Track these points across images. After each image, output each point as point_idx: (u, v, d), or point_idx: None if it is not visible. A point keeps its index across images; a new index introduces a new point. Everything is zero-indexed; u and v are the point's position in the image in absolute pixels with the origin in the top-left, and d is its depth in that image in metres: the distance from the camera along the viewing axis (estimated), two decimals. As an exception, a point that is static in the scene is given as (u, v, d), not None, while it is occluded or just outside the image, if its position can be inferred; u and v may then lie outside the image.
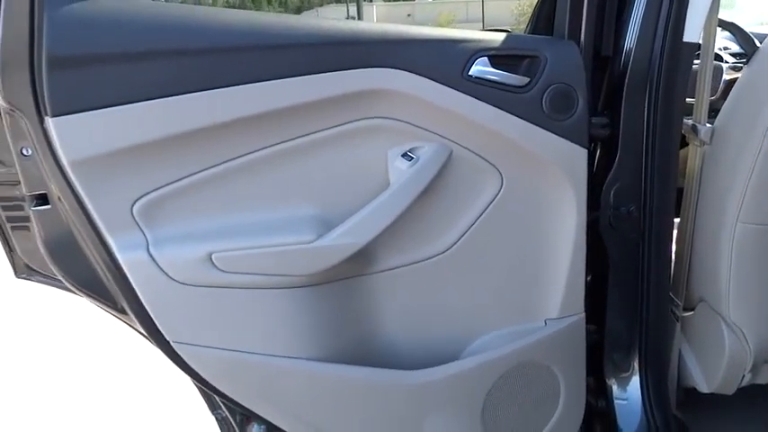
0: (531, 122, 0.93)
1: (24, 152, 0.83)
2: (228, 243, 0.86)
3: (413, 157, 0.92)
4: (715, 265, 1.13)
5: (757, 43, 1.92)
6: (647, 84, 1.03)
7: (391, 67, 0.88)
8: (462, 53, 0.91)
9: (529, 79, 0.93)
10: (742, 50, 1.98)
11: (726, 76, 1.83)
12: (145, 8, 0.83)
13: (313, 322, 0.93)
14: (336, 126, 0.90)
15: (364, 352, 0.98)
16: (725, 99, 1.83)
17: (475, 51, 0.91)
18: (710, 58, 1.12)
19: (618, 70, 1.06)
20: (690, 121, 1.16)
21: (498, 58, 0.93)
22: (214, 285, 0.87)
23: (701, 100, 1.14)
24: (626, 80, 1.04)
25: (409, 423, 0.99)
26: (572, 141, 0.95)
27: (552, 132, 0.94)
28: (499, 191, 0.97)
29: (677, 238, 1.24)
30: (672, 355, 1.26)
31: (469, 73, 0.91)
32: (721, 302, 1.13)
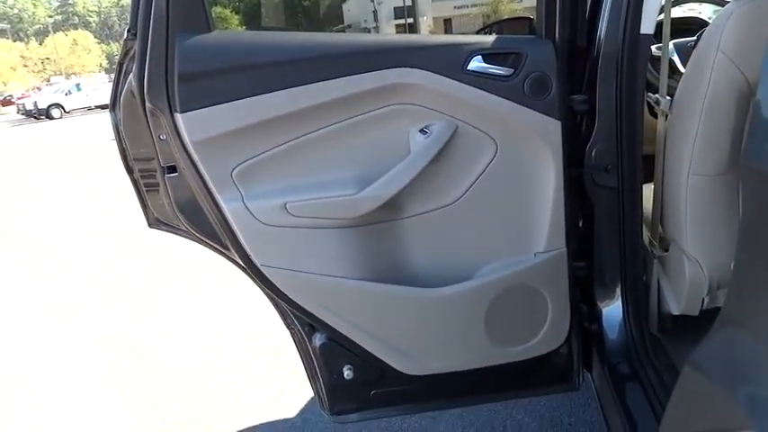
0: (516, 102, 1.25)
1: (161, 137, 1.23)
2: (297, 196, 1.24)
3: (427, 132, 1.26)
4: (677, 210, 1.42)
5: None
6: (615, 68, 1.32)
7: (410, 67, 1.23)
8: (462, 53, 1.24)
9: (513, 70, 1.25)
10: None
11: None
12: (238, 36, 1.21)
13: (358, 253, 1.30)
14: (371, 111, 1.25)
15: (396, 275, 1.34)
16: None
17: (472, 51, 1.24)
18: (667, 44, 1.40)
19: (592, 58, 1.36)
20: (654, 96, 1.44)
21: (490, 55, 1.25)
22: (288, 226, 1.25)
23: (663, 78, 1.42)
24: (599, 66, 1.34)
25: (429, 326, 1.36)
26: (549, 116, 1.27)
27: (533, 109, 1.26)
28: (495, 155, 1.30)
29: (653, 192, 1.52)
30: (651, 287, 1.56)
31: (468, 68, 1.24)
32: (683, 239, 1.42)
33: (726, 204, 1.36)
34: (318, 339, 1.42)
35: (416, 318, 1.36)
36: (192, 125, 1.18)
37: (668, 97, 1.41)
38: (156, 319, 3.26)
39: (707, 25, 2.49)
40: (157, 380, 2.60)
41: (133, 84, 1.21)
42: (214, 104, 1.18)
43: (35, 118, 25.95)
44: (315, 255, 1.29)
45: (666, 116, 1.43)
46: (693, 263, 1.42)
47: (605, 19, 1.33)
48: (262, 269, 1.28)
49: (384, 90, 1.23)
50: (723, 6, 2.07)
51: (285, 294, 1.31)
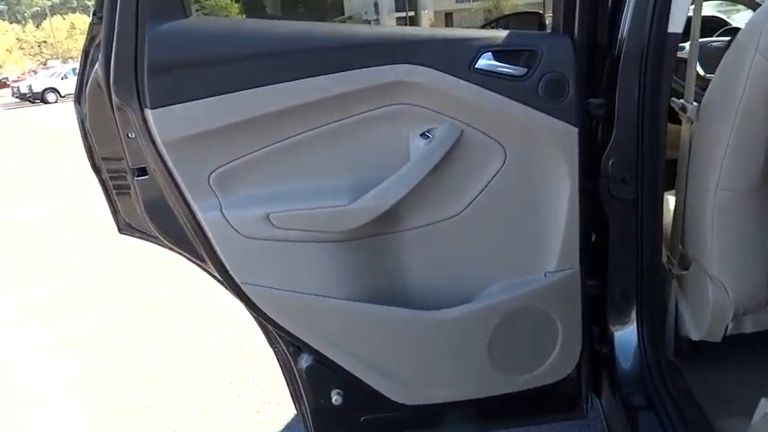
0: (530, 106, 1.12)
1: (129, 135, 1.09)
2: (282, 206, 1.10)
3: (429, 136, 1.13)
4: (701, 228, 1.29)
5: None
6: (638, 69, 1.19)
7: (411, 63, 1.09)
8: (470, 49, 1.10)
9: (527, 69, 1.12)
10: None
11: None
12: (219, 23, 1.07)
13: (349, 270, 1.17)
14: (367, 111, 1.12)
15: (393, 294, 1.21)
16: None
17: (481, 47, 1.10)
18: (696, 46, 1.27)
19: (613, 58, 1.22)
20: (680, 101, 1.31)
21: (501, 52, 1.12)
22: (271, 239, 1.11)
23: (689, 82, 1.29)
24: (620, 67, 1.20)
25: (426, 353, 1.23)
26: (565, 121, 1.13)
27: (548, 114, 1.13)
28: (503, 164, 1.17)
29: (674, 206, 1.39)
30: (669, 309, 1.43)
31: (476, 66, 1.10)
32: (707, 260, 1.29)
33: (756, 223, 1.23)
34: (305, 361, 1.29)
35: (413, 343, 1.22)
36: (165, 123, 1.04)
37: (695, 103, 1.28)
38: (137, 319, 3.12)
39: (726, 25, 2.37)
40: (137, 386, 2.47)
41: (99, 75, 1.07)
42: (189, 100, 1.04)
43: (30, 102, 25.65)
44: (301, 272, 1.16)
45: (692, 122, 1.30)
46: (718, 286, 1.29)
47: (629, 15, 1.19)
48: (242, 287, 1.15)
49: (382, 89, 1.10)
50: (754, 8, 1.93)
51: (268, 315, 1.18)
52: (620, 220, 1.29)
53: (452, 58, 1.10)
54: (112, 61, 1.02)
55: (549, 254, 1.23)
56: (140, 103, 1.04)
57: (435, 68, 1.09)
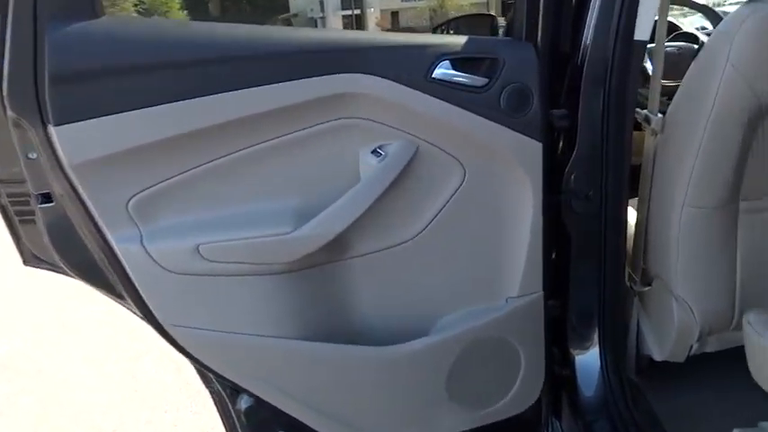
0: (490, 119, 1.02)
1: (30, 156, 0.93)
2: (214, 235, 0.96)
3: (381, 154, 1.01)
4: (666, 245, 1.23)
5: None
6: (602, 79, 1.11)
7: (361, 72, 0.97)
8: (426, 57, 0.99)
9: (488, 80, 1.02)
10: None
11: (699, 59, 1.89)
12: (135, 25, 0.92)
13: (292, 305, 1.04)
14: (312, 126, 0.99)
15: (340, 330, 1.09)
16: None
17: (438, 55, 1.00)
18: (661, 53, 1.20)
19: (576, 67, 1.14)
20: (644, 112, 1.24)
21: (460, 60, 1.01)
22: (201, 273, 0.97)
23: (653, 92, 1.23)
24: (583, 76, 1.12)
25: (381, 393, 1.11)
26: (528, 136, 1.04)
27: (509, 128, 1.03)
28: (462, 182, 1.07)
29: (635, 220, 1.33)
30: (630, 327, 1.37)
31: (433, 75, 0.99)
32: (671, 279, 1.23)
33: (724, 240, 1.18)
34: (244, 402, 1.15)
35: (365, 383, 1.10)
36: (72, 142, 0.89)
37: (660, 114, 1.22)
38: (63, 342, 2.87)
39: (677, 29, 2.36)
40: (63, 415, 2.25)
41: None
42: (102, 115, 0.88)
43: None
44: (237, 310, 1.02)
45: (656, 134, 1.24)
46: (683, 306, 1.23)
47: (593, 21, 1.11)
48: (168, 329, 1.00)
49: (328, 101, 0.97)
50: (708, 15, 1.90)
51: (200, 360, 1.03)
52: (583, 237, 1.21)
53: (407, 66, 0.99)
54: (5, 69, 0.86)
55: (511, 278, 1.14)
56: (42, 119, 0.87)
57: (388, 78, 0.98)
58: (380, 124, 1.01)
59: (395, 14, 39.51)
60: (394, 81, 0.98)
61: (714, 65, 1.05)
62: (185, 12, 31.74)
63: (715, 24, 1.92)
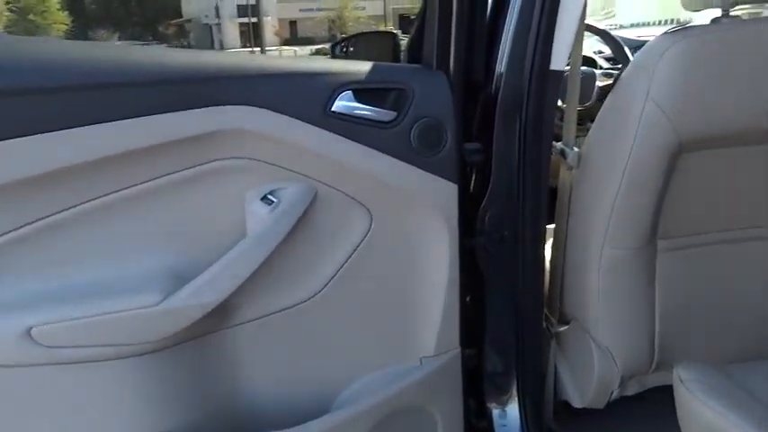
0: (400, 159, 0.89)
1: None
2: (53, 313, 0.75)
3: (273, 201, 0.85)
4: (584, 287, 1.15)
5: (626, 50, 1.98)
6: (517, 110, 1.02)
7: (246, 105, 0.80)
8: (324, 87, 0.84)
9: (396, 113, 0.89)
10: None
11: (599, 83, 1.88)
12: None
13: (163, 393, 0.84)
14: (184, 169, 0.81)
15: (228, 414, 0.90)
16: (600, 105, 1.88)
17: (338, 85, 0.85)
18: (577, 84, 1.13)
19: (490, 97, 1.04)
20: (559, 145, 1.16)
21: (363, 91, 0.87)
22: (36, 363, 0.75)
23: (569, 124, 1.15)
24: (497, 107, 1.02)
25: None
26: (442, 177, 0.92)
27: (421, 168, 0.91)
28: (369, 230, 0.93)
29: (551, 257, 1.25)
30: (548, 371, 1.29)
31: (332, 109, 0.85)
32: (590, 324, 1.16)
33: (644, 282, 1.12)
34: None
35: None
36: None
37: (576, 149, 1.14)
38: None
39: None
40: None
41: None
42: None
43: None
44: (92, 407, 0.80)
45: (572, 169, 1.16)
46: (604, 352, 1.16)
47: (507, 49, 1.01)
48: None
49: (206, 139, 0.80)
50: (607, 40, 1.88)
51: None
52: (498, 282, 1.12)
53: (302, 98, 0.83)
54: None
55: (426, 335, 1.01)
56: None
57: (280, 112, 0.82)
58: (271, 165, 0.85)
59: (293, 24, 39.11)
60: (288, 115, 0.82)
61: (633, 100, 0.98)
62: (65, 12, 29.54)
63: (613, 49, 1.92)
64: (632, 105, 0.98)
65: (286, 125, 0.82)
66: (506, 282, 1.12)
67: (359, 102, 0.86)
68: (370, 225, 0.92)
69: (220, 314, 0.86)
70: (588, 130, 1.22)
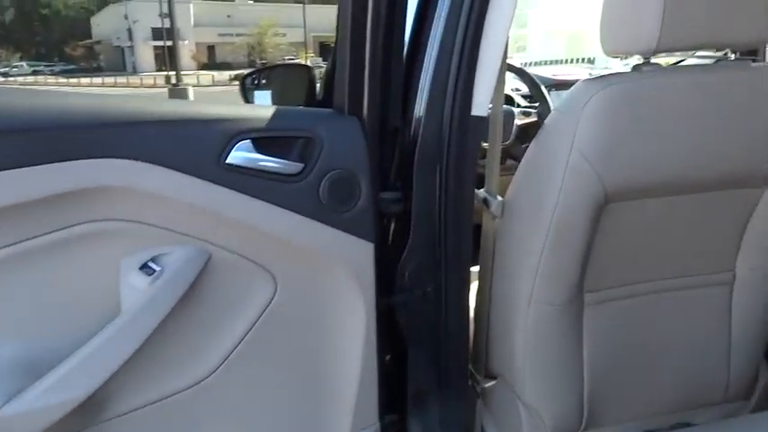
0: (307, 216, 0.78)
1: None
2: None
3: (155, 269, 0.71)
4: (510, 344, 1.08)
5: (543, 89, 1.98)
6: (437, 158, 0.94)
7: (123, 157, 0.67)
8: (218, 136, 0.73)
9: (303, 165, 0.78)
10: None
11: (518, 121, 1.87)
12: None
13: None
14: (44, 234, 0.66)
15: None
16: (519, 143, 1.85)
17: (235, 134, 0.74)
18: (499, 128, 1.07)
19: (408, 143, 0.96)
20: (482, 193, 1.10)
21: (265, 140, 0.76)
22: None
23: (491, 171, 1.09)
24: (416, 154, 0.94)
25: None
26: (355, 235, 0.82)
27: (332, 226, 0.80)
28: (272, 297, 0.81)
29: (475, 310, 1.18)
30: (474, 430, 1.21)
31: (228, 161, 0.73)
32: (517, 382, 1.08)
33: (572, 337, 1.06)
34: None
35: None
36: None
37: (499, 197, 1.08)
38: None
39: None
40: None
41: None
42: None
43: None
44: None
45: (495, 218, 1.10)
46: (532, 413, 1.09)
47: (425, 93, 0.94)
48: None
49: (75, 197, 0.66)
50: (524, 78, 1.87)
51: None
52: (421, 340, 1.02)
53: (191, 149, 0.71)
54: None
55: (341, 412, 0.89)
56: None
57: (164, 165, 0.69)
58: (152, 227, 0.72)
59: (211, 48, 38.41)
60: (172, 169, 0.70)
61: (558, 149, 0.92)
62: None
63: (530, 87, 1.90)
64: (557, 154, 0.93)
65: (171, 181, 0.70)
66: (429, 340, 1.03)
67: (259, 152, 0.75)
68: (275, 292, 0.81)
69: (89, 408, 0.70)
70: (507, 170, 1.17)
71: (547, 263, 0.98)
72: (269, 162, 0.76)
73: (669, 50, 0.91)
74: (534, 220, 0.99)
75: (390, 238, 1.02)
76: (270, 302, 0.80)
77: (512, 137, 1.85)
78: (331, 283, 0.83)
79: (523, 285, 1.02)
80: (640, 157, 0.92)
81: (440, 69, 0.93)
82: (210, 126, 0.72)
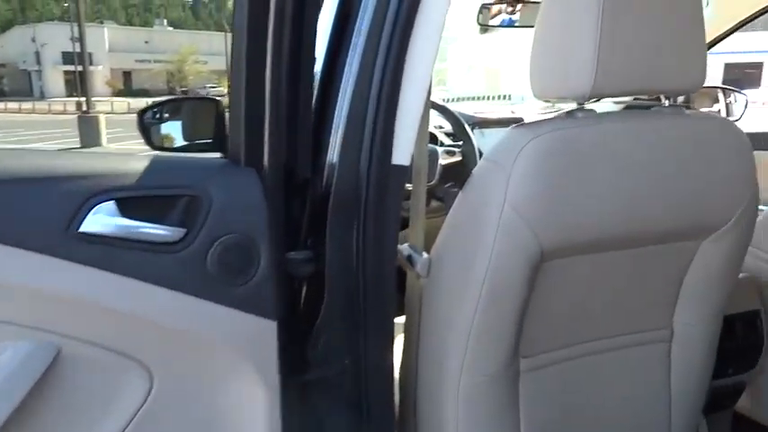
0: (191, 294, 0.63)
1: None
2: None
3: None
4: (441, 418, 0.96)
5: (467, 128, 1.90)
6: (354, 211, 0.82)
7: None
8: (67, 199, 0.57)
9: (185, 230, 0.63)
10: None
11: (441, 161, 1.78)
12: None
13: None
14: None
15: None
16: (443, 184, 1.75)
17: (91, 194, 0.58)
18: (424, 178, 0.96)
19: (320, 195, 0.83)
20: (406, 249, 0.98)
21: (135, 200, 0.61)
22: None
23: (415, 224, 0.97)
24: (330, 207, 0.81)
25: None
26: (253, 313, 0.68)
27: (223, 304, 0.65)
28: (148, 395, 0.65)
29: (400, 381, 1.05)
30: None
31: (82, 229, 0.57)
32: None
33: (507, 407, 0.95)
34: None
35: None
36: None
37: (425, 254, 0.96)
38: None
39: None
40: None
41: None
42: None
43: None
44: None
45: (419, 277, 0.98)
46: None
47: (338, 140, 0.82)
48: None
49: None
50: (446, 115, 1.79)
51: None
52: (340, 422, 0.88)
53: (31, 215, 0.55)
54: None
55: None
56: None
57: None
58: None
59: (127, 74, 37.03)
60: (4, 244, 0.53)
61: (489, 204, 0.82)
62: None
63: (454, 125, 1.82)
64: (489, 208, 0.83)
65: (4, 258, 0.53)
66: (349, 421, 0.89)
67: (128, 216, 0.60)
68: (150, 388, 0.64)
69: None
70: (431, 212, 1.06)
71: (479, 329, 0.87)
72: (140, 228, 0.60)
73: (603, 96, 0.84)
74: (464, 283, 0.88)
75: (302, 303, 0.88)
76: (144, 401, 0.64)
77: (436, 177, 1.76)
78: (223, 373, 0.68)
79: (454, 353, 0.91)
80: (577, 211, 0.84)
81: (355, 113, 0.81)
82: (57, 186, 0.56)
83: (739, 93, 2.06)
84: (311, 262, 0.83)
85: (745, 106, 2.02)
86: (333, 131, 0.82)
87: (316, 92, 0.88)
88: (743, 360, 1.23)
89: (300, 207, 0.85)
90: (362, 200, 0.82)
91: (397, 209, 0.85)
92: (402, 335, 1.05)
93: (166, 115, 1.47)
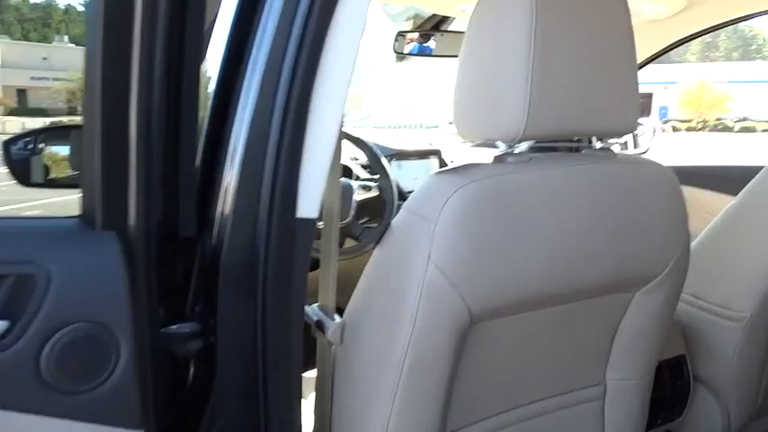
0: (16, 409, 0.47)
1: None
2: None
3: None
4: None
5: (383, 160, 1.79)
6: (252, 272, 0.68)
7: None
8: None
9: (8, 323, 0.47)
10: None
11: (356, 196, 1.66)
12: None
13: None
14: None
15: None
16: (357, 220, 1.62)
17: None
18: (336, 234, 0.83)
19: (209, 256, 0.69)
20: (315, 311, 0.84)
21: None
22: None
23: (325, 282, 0.84)
24: (220, 269, 0.67)
25: None
26: (108, 424, 0.51)
27: (64, 418, 0.49)
28: None
29: None
30: None
31: None
32: None
33: None
34: None
35: None
36: None
37: (338, 318, 0.83)
38: None
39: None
40: None
41: None
42: None
43: None
44: None
45: (332, 345, 0.85)
46: None
47: (230, 190, 0.68)
48: None
49: None
50: (362, 147, 1.69)
51: None
52: None
53: None
54: None
55: None
56: None
57: None
58: None
59: (21, 92, 34.51)
60: None
61: (412, 260, 0.71)
62: None
63: (370, 158, 1.70)
64: (411, 267, 0.71)
65: None
66: None
67: None
68: None
69: None
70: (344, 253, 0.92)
71: (401, 404, 0.75)
72: None
73: (535, 138, 0.76)
74: (384, 352, 0.75)
75: (188, 387, 0.73)
76: None
77: (350, 215, 1.63)
78: None
79: (374, 427, 0.78)
80: (508, 270, 0.74)
81: (252, 156, 0.68)
82: None
83: (642, 125, 2.09)
84: (200, 336, 0.68)
85: (653, 136, 2.06)
86: (224, 178, 0.68)
87: (205, 127, 0.74)
88: (671, 409, 1.18)
89: (185, 271, 0.70)
90: (261, 261, 0.68)
91: (303, 270, 0.72)
92: (313, 393, 0.91)
93: (41, 146, 1.25)
